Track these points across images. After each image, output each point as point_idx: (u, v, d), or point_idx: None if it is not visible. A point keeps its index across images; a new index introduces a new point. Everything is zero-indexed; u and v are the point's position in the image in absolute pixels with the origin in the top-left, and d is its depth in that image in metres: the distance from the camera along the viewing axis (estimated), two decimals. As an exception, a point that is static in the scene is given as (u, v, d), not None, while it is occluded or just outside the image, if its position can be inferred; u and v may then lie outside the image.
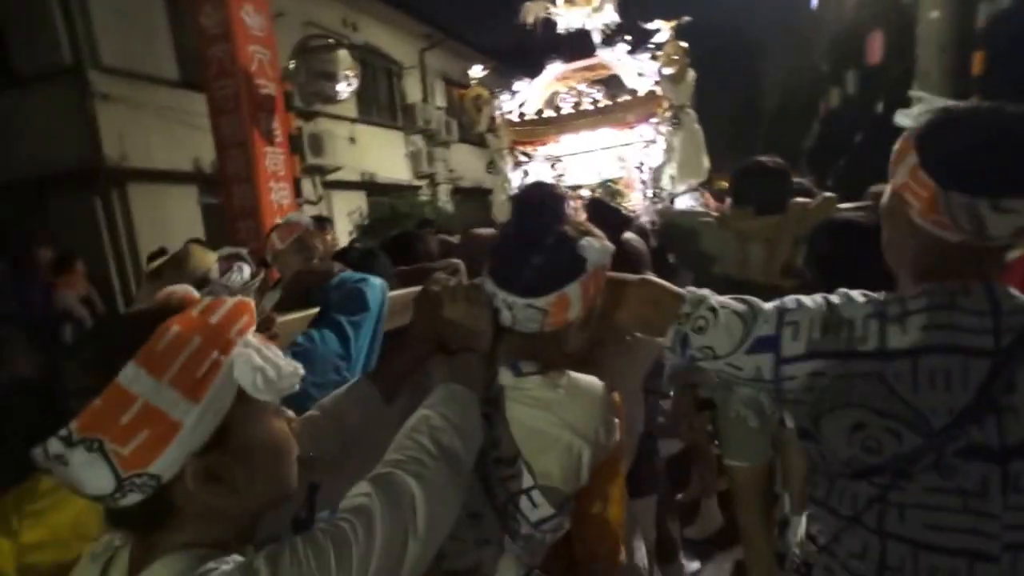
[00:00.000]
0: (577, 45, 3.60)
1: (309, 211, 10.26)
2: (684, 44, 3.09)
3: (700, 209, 2.58)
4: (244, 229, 5.86)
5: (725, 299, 1.14)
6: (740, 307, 1.11)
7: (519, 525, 1.06)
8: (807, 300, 1.08)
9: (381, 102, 13.78)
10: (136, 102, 7.91)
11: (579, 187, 3.37)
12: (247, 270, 1.57)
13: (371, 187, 12.42)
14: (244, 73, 5.58)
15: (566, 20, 3.49)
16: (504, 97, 3.44)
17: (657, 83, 3.19)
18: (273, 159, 6.04)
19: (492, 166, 3.49)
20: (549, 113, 3.41)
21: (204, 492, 0.69)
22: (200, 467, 0.69)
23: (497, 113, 3.39)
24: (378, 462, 0.86)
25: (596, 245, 1.06)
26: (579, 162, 3.44)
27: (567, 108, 3.34)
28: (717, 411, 2.23)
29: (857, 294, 1.06)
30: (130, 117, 7.84)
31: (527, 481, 1.04)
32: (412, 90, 14.45)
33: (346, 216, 10.91)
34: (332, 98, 9.95)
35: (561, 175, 3.45)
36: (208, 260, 1.53)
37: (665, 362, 1.83)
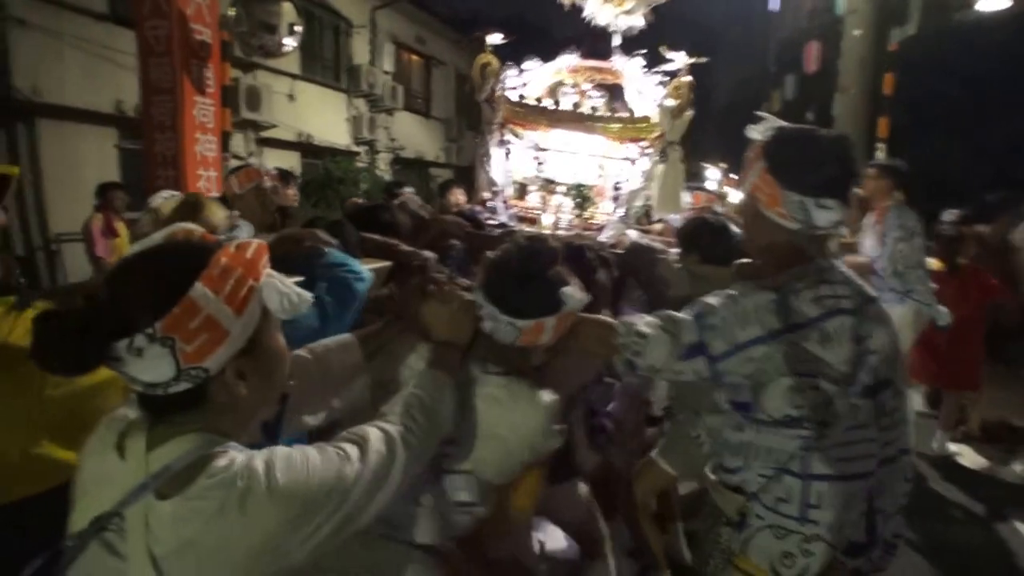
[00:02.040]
0: (578, 40, 3.65)
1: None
2: (690, 80, 3.15)
3: (658, 244, 2.70)
4: (163, 178, 5.62)
5: (648, 318, 1.36)
6: (661, 323, 1.33)
7: (441, 497, 1.26)
8: (713, 300, 1.32)
9: (326, 60, 13.26)
10: (57, 32, 7.29)
11: (554, 182, 3.43)
12: (248, 229, 1.73)
13: (307, 148, 11.98)
14: (179, 16, 5.30)
15: (592, 10, 3.48)
16: (511, 73, 3.41)
17: (657, 108, 3.22)
18: (203, 110, 5.81)
19: (479, 138, 3.53)
20: (548, 103, 3.38)
21: (234, 386, 0.90)
22: (236, 366, 0.89)
23: (499, 88, 3.37)
24: (350, 411, 1.10)
25: (576, 295, 1.32)
26: (561, 158, 3.45)
27: (567, 104, 3.33)
28: (671, 425, 2.30)
29: (737, 288, 1.34)
30: (48, 48, 7.23)
31: (462, 464, 1.25)
32: (359, 51, 13.94)
33: (279, 176, 10.50)
34: (274, 52, 9.52)
35: (541, 164, 3.48)
36: (220, 215, 1.69)
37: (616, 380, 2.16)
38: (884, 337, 1.30)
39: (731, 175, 21.95)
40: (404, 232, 2.52)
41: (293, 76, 11.70)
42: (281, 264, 1.66)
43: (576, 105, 3.31)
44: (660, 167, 3.17)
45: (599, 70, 3.53)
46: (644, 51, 3.43)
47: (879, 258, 3.91)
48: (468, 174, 5.33)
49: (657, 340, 1.30)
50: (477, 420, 1.25)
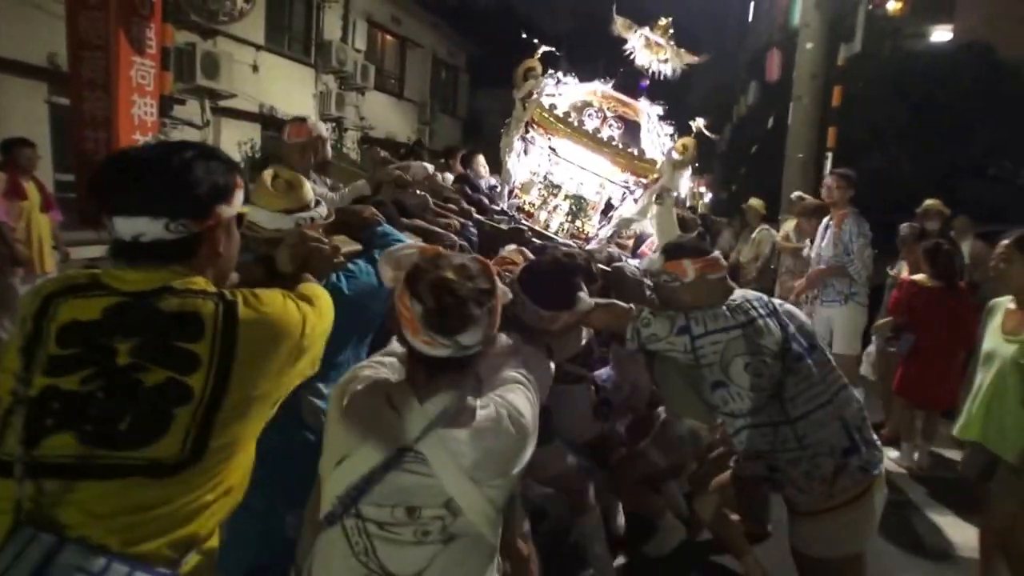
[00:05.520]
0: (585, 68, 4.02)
1: (193, 135, 9.39)
2: (695, 140, 3.50)
3: (639, 271, 2.98)
4: (92, 139, 5.45)
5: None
6: (664, 311, 2.04)
7: None
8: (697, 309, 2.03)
9: (295, 33, 13.02)
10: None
11: (558, 187, 3.77)
12: (324, 207, 1.89)
13: (268, 121, 11.65)
14: (115, -33, 4.98)
15: (633, 48, 3.80)
16: (549, 81, 3.74)
17: (663, 156, 3.55)
18: (141, 71, 5.57)
19: (506, 130, 3.89)
20: (573, 117, 3.70)
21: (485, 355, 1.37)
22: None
23: (536, 91, 3.69)
24: None
25: (587, 301, 2.00)
26: (569, 168, 3.76)
27: (589, 125, 3.66)
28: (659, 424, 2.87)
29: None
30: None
31: None
32: (331, 26, 13.69)
33: (235, 147, 10.13)
34: (230, 16, 9.14)
35: (551, 167, 3.81)
36: (311, 192, 1.86)
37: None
38: (797, 322, 2.04)
39: (701, 175, 22.11)
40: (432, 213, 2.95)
41: (257, 46, 11.43)
42: (345, 232, 2.11)
43: (596, 130, 3.67)
44: (655, 207, 3.57)
45: (624, 103, 3.86)
46: (662, 101, 3.79)
47: (851, 262, 4.38)
48: (441, 157, 5.22)
49: (661, 319, 1.99)
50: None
